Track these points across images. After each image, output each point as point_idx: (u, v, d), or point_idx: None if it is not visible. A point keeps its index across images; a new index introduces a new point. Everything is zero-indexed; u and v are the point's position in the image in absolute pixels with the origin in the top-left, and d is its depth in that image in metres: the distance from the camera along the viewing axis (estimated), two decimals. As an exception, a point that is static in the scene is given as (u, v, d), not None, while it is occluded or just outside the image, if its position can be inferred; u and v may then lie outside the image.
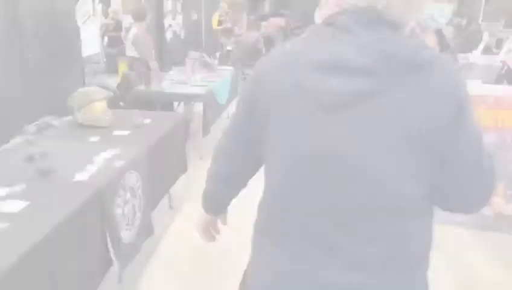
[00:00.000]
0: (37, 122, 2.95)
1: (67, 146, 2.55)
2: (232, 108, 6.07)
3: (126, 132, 2.86)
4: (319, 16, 0.98)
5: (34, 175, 2.04)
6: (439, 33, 1.70)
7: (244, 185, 1.24)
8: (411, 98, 0.83)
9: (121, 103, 4.80)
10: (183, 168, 3.40)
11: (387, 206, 0.89)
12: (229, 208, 1.35)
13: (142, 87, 4.37)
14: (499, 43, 9.72)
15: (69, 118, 3.01)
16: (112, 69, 9.55)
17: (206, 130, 4.32)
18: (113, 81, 6.86)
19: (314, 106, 0.88)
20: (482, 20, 8.29)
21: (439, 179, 0.90)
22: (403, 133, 0.84)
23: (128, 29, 4.73)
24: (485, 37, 4.35)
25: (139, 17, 4.72)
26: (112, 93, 3.14)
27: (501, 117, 3.20)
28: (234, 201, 1.30)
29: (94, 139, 2.69)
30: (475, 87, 3.26)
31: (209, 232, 1.37)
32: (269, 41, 1.40)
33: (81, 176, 2.10)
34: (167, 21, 8.07)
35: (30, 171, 2.07)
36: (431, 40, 1.72)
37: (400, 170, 0.87)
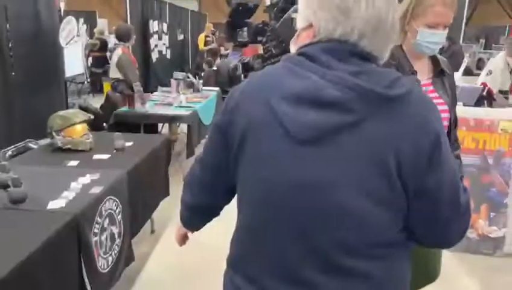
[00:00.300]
0: (15, 146, 2.88)
1: (44, 171, 2.47)
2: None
3: (107, 156, 2.79)
4: (293, 47, 0.97)
5: (6, 203, 1.96)
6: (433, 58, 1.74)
7: (217, 214, 1.20)
8: (386, 132, 0.83)
9: (104, 124, 4.74)
10: (166, 192, 3.32)
11: (365, 240, 0.87)
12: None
13: (125, 108, 4.32)
14: (480, 64, 9.94)
15: (49, 141, 2.94)
16: (97, 89, 9.52)
17: (190, 151, 4.27)
18: (98, 101, 6.82)
19: (289, 139, 0.86)
20: (462, 42, 8.46)
21: (416, 214, 0.89)
22: (379, 167, 0.83)
23: (112, 50, 4.69)
24: (465, 59, 4.41)
25: (123, 38, 4.70)
26: (92, 116, 3.08)
27: (482, 139, 3.22)
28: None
29: (73, 163, 2.62)
30: (457, 110, 3.28)
31: (185, 237, 1.38)
32: (248, 68, 1.39)
33: (56, 204, 2.02)
34: (153, 41, 8.07)
35: (3, 199, 2.00)
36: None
37: (377, 204, 0.85)
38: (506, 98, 3.98)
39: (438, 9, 1.58)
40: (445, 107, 1.68)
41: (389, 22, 0.88)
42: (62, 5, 6.85)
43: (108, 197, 2.24)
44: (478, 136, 3.21)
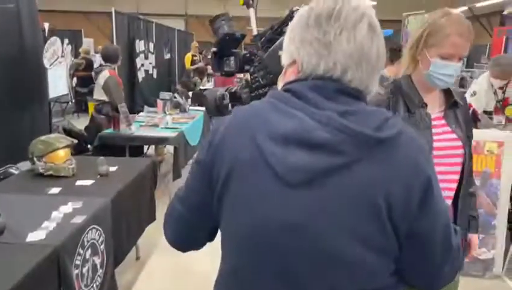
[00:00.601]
0: None
1: (24, 200, 2.38)
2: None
3: (90, 182, 2.71)
4: (280, 83, 0.95)
5: (-17, 236, 1.88)
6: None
7: (198, 249, 1.14)
8: (377, 174, 0.81)
9: (89, 146, 4.65)
10: (152, 217, 3.24)
11: (356, 286, 0.84)
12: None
13: (110, 130, 4.24)
14: (463, 82, 10.09)
15: (30, 166, 2.86)
16: (82, 109, 9.41)
17: (176, 174, 4.20)
18: (83, 121, 6.72)
19: (277, 181, 0.83)
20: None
21: (408, 257, 0.88)
22: (370, 211, 0.81)
23: (98, 72, 4.62)
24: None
25: (110, 59, 4.64)
26: (75, 141, 3.00)
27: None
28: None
29: (55, 190, 2.53)
30: None
31: None
32: (235, 97, 1.36)
33: (36, 236, 1.93)
34: (139, 60, 8.03)
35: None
36: None
37: (368, 248, 0.83)
38: (491, 118, 4.01)
39: (454, 39, 1.47)
40: (459, 143, 1.57)
41: (373, 54, 0.87)
42: (46, 25, 6.78)
43: (91, 227, 2.16)
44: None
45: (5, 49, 4.04)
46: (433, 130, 1.54)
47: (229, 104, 1.45)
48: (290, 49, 0.91)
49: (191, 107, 6.15)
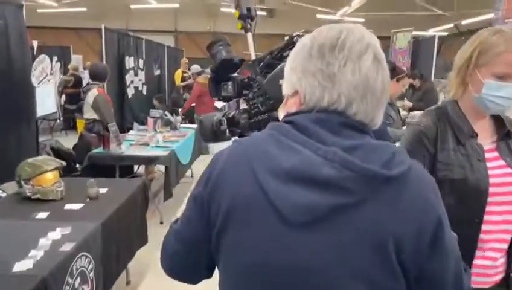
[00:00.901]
0: None
1: (11, 226, 2.28)
2: (197, 167, 5.97)
3: (79, 205, 2.62)
4: (281, 113, 0.91)
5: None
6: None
7: (195, 283, 1.08)
8: (385, 214, 0.77)
9: (78, 165, 4.56)
10: (143, 240, 3.16)
11: None
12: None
13: (100, 149, 4.16)
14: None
15: (17, 188, 2.76)
16: (70, 126, 9.29)
17: (168, 194, 4.13)
18: (71, 138, 6.61)
19: (279, 221, 0.79)
20: (434, 77, 8.63)
21: None
22: (378, 252, 0.77)
23: (86, 91, 4.55)
24: (440, 100, 4.42)
25: (98, 77, 4.58)
26: (64, 163, 2.92)
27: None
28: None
29: (42, 215, 2.44)
30: None
31: None
32: (233, 123, 1.30)
33: (23, 265, 1.85)
34: (129, 77, 7.97)
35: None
36: None
37: (373, 288, 0.78)
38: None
39: (509, 57, 1.31)
40: None
41: (379, 86, 0.84)
42: (35, 43, 6.71)
43: (80, 254, 2.08)
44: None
45: None
46: (488, 164, 1.39)
47: (227, 130, 1.40)
48: (292, 79, 0.88)
49: (182, 125, 6.10)
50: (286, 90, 0.90)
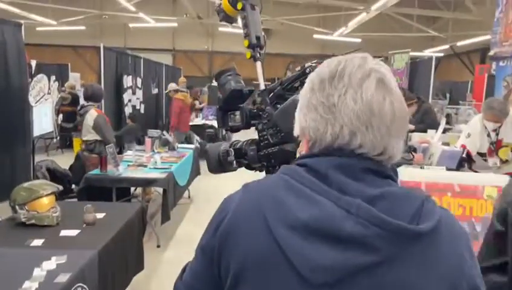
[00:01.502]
0: None
1: (4, 255, 2.19)
2: (194, 187, 5.89)
3: (75, 232, 2.54)
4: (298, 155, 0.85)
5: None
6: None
7: None
8: (414, 274, 0.70)
9: (74, 186, 4.47)
10: (140, 266, 3.06)
11: None
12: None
13: (97, 171, 4.08)
14: (448, 119, 10.18)
15: (12, 214, 2.68)
16: (66, 145, 9.19)
17: (165, 217, 4.03)
18: (67, 157, 6.52)
19: (296, 280, 0.71)
20: (431, 98, 8.64)
21: None
22: None
23: (84, 112, 4.49)
24: (442, 122, 4.38)
25: (93, 99, 4.53)
26: (61, 187, 2.84)
27: (469, 205, 3.14)
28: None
29: (37, 242, 2.35)
30: (439, 175, 3.21)
31: None
32: (241, 154, 1.24)
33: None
34: (126, 96, 7.93)
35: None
36: None
37: None
38: (485, 160, 3.98)
39: None
40: None
41: (387, 113, 0.76)
42: (33, 62, 6.67)
43: (76, 286, 1.99)
44: (464, 202, 3.12)
45: None
46: None
47: (234, 161, 1.32)
48: (299, 117, 0.83)
49: (180, 145, 6.03)
50: (296, 131, 0.85)
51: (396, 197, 0.74)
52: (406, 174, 2.89)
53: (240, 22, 1.40)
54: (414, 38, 15.64)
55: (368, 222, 0.69)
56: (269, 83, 1.33)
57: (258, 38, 1.33)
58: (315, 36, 16.63)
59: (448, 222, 0.75)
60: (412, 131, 6.07)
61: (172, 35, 18.11)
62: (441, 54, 16.20)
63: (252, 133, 1.34)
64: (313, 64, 1.19)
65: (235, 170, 1.35)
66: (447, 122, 9.07)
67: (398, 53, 9.97)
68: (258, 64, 1.35)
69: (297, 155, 0.87)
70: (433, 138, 3.99)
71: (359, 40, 16.13)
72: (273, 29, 17.27)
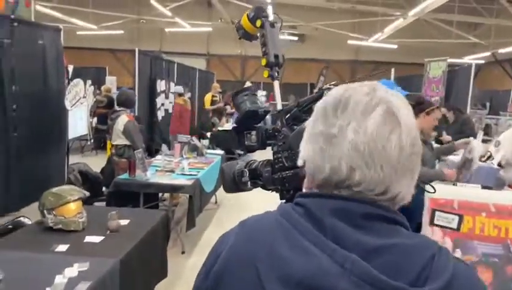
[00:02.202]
0: (6, 223, 2.69)
1: (28, 259, 2.25)
2: (222, 193, 5.89)
3: (99, 238, 2.58)
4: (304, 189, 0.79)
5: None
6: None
7: None
8: None
9: (104, 189, 4.55)
10: (163, 274, 3.07)
11: None
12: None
13: (126, 176, 4.15)
14: (487, 130, 9.76)
15: (40, 217, 2.75)
16: (100, 146, 9.43)
17: (190, 224, 4.05)
18: (101, 159, 6.67)
19: None
20: (469, 108, 8.27)
21: None
22: None
23: (116, 117, 4.57)
24: (480, 135, 4.15)
25: (126, 104, 4.61)
26: (88, 193, 2.89)
27: (504, 226, 2.97)
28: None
29: (62, 248, 2.40)
30: (473, 193, 2.94)
31: None
32: (255, 175, 1.21)
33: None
34: (159, 100, 8.06)
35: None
36: None
37: None
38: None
39: None
40: None
41: (393, 150, 0.68)
42: (71, 67, 6.89)
43: (95, 295, 2.01)
44: (500, 223, 2.96)
45: (29, 91, 4.08)
46: None
47: (249, 182, 1.29)
48: (302, 146, 0.77)
49: (208, 151, 6.06)
50: (299, 161, 0.78)
51: (402, 249, 0.66)
52: (438, 191, 2.87)
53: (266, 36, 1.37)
54: (453, 45, 15.05)
55: (363, 281, 0.62)
56: (288, 100, 1.30)
57: (276, 56, 1.31)
58: (349, 42, 16.34)
59: (465, 279, 0.66)
60: (448, 142, 5.86)
61: (207, 40, 18.33)
62: (482, 62, 15.63)
63: (269, 153, 1.30)
64: (331, 86, 1.16)
65: (250, 190, 1.33)
66: (486, 134, 8.70)
67: (435, 61, 9.62)
68: (276, 83, 1.32)
69: (303, 186, 0.80)
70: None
71: (395, 46, 15.81)
72: (307, 34, 17.22)
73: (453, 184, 3.06)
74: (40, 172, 4.09)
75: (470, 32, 15.66)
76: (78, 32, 15.20)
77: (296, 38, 16.46)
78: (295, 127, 1.20)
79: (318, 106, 0.76)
